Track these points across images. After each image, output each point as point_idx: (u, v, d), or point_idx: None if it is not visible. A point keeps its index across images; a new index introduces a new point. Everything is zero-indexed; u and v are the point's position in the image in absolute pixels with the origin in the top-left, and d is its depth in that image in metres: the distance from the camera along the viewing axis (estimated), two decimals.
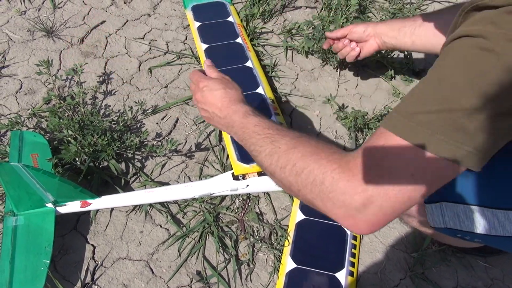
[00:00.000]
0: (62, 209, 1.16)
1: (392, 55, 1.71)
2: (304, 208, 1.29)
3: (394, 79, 1.70)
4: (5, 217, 1.14)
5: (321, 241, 1.25)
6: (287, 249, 1.22)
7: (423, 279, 1.22)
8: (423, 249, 1.26)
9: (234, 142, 1.33)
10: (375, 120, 1.50)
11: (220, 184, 1.25)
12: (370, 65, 1.72)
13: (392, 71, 1.69)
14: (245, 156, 1.28)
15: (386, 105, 1.57)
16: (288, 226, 1.28)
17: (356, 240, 1.26)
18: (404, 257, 1.28)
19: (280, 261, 1.21)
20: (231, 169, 1.27)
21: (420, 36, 1.30)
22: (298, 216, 1.28)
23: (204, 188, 1.24)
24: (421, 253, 1.26)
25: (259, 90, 1.48)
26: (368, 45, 1.42)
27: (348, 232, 1.26)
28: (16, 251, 1.08)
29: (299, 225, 1.26)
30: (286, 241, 1.23)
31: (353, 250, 1.23)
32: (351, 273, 1.19)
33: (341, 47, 1.46)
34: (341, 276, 1.17)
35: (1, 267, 1.06)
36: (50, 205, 1.15)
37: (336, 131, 1.54)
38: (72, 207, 1.17)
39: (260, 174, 1.26)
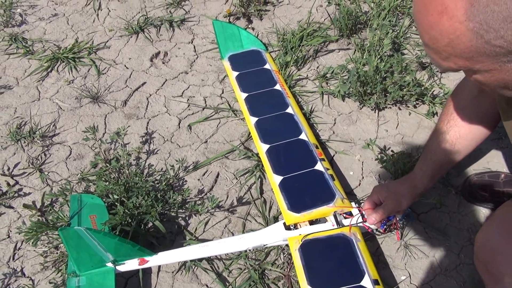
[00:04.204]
0: (121, 268, 1.20)
1: (432, 91, 1.66)
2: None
3: (436, 115, 1.65)
4: (68, 278, 1.19)
5: (329, 258, 1.19)
6: (302, 279, 1.14)
7: None
8: None
9: (284, 191, 1.32)
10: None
11: (273, 235, 1.25)
12: (409, 102, 1.68)
13: (434, 107, 1.64)
14: (295, 205, 1.27)
15: None
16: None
17: (360, 245, 1.19)
18: None
19: None
20: (278, 220, 1.26)
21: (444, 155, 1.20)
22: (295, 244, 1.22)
23: (257, 240, 1.24)
24: None
25: (302, 136, 1.48)
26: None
27: (352, 238, 1.19)
28: None
29: (303, 248, 1.20)
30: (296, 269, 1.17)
31: (363, 255, 1.16)
32: (376, 282, 1.11)
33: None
34: (367, 283, 1.10)
35: None
36: (110, 264, 1.19)
37: (379, 175, 1.49)
38: (131, 265, 1.21)
39: (311, 222, 1.24)
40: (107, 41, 2.04)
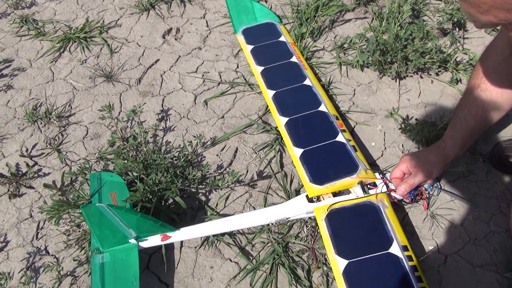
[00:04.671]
0: (144, 244, 1.20)
1: (455, 57, 1.60)
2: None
3: (460, 82, 1.59)
4: (92, 255, 1.19)
5: (356, 226, 1.17)
6: (329, 248, 1.12)
7: None
8: None
9: (305, 163, 1.29)
10: (443, 129, 1.40)
11: (296, 208, 1.23)
12: (431, 70, 1.62)
13: (457, 74, 1.58)
14: (317, 178, 1.24)
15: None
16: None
17: (387, 212, 1.17)
18: (496, 279, 1.16)
19: (326, 264, 1.18)
20: (300, 193, 1.24)
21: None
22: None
23: (279, 213, 1.22)
24: None
25: (322, 108, 1.44)
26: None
27: (379, 205, 1.17)
28: (106, 285, 1.12)
29: (329, 217, 1.17)
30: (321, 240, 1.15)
31: (391, 222, 1.14)
32: (405, 248, 1.09)
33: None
34: (395, 249, 1.08)
35: None
36: (133, 240, 1.18)
37: (402, 145, 1.45)
38: (154, 241, 1.20)
39: (334, 195, 1.21)
40: (118, 19, 2.01)
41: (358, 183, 1.22)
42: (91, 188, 1.33)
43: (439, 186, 1.32)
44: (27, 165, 1.49)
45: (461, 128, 1.16)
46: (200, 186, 1.40)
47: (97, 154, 1.51)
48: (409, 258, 1.07)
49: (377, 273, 1.07)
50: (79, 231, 1.32)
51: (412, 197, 1.21)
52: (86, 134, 1.59)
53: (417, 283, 1.02)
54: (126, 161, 1.39)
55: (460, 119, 1.17)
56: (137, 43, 1.90)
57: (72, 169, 1.47)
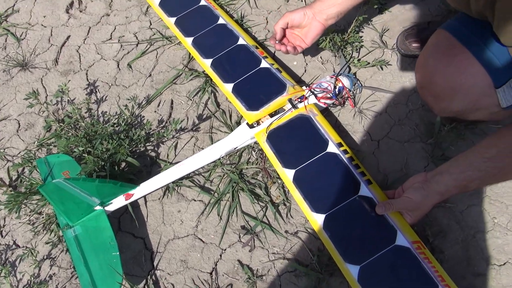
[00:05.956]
0: (110, 207, 1.26)
1: None
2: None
3: None
4: (63, 232, 1.23)
5: (294, 138, 1.28)
6: (276, 164, 1.24)
7: (445, 159, 1.28)
8: (437, 133, 1.32)
9: (238, 95, 1.38)
10: (354, 32, 1.53)
11: (240, 136, 1.33)
12: None
13: None
14: (252, 105, 1.35)
15: (358, 15, 1.57)
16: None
17: (318, 119, 1.28)
18: (422, 147, 1.34)
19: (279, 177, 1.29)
20: (241, 123, 1.34)
21: None
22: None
23: (227, 145, 1.32)
24: (436, 137, 1.32)
25: (240, 41, 1.51)
26: (312, 30, 1.32)
27: (309, 115, 1.28)
28: (86, 255, 1.19)
29: (269, 137, 1.28)
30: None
31: (323, 126, 1.25)
32: (339, 144, 1.22)
33: (284, 50, 1.35)
34: (332, 148, 1.21)
35: (80, 272, 1.17)
36: (98, 207, 1.24)
37: (321, 57, 1.57)
38: (118, 202, 1.26)
39: (271, 115, 1.32)
40: (14, 5, 1.92)
41: (287, 101, 1.33)
42: (41, 174, 1.35)
43: (360, 84, 1.46)
44: None
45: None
46: (147, 144, 1.46)
47: (36, 142, 1.51)
48: (345, 151, 1.21)
49: (321, 172, 1.20)
50: (43, 217, 1.35)
51: (337, 98, 1.34)
52: (19, 127, 1.57)
53: (355, 169, 1.17)
54: (68, 140, 1.41)
55: None
56: (42, 25, 1.84)
57: (15, 163, 1.47)
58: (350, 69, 1.52)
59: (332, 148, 1.21)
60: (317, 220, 1.13)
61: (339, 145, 1.22)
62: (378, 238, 1.08)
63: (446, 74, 1.02)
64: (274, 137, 1.28)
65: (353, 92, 1.44)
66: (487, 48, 0.97)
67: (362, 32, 1.61)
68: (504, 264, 1.17)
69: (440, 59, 1.03)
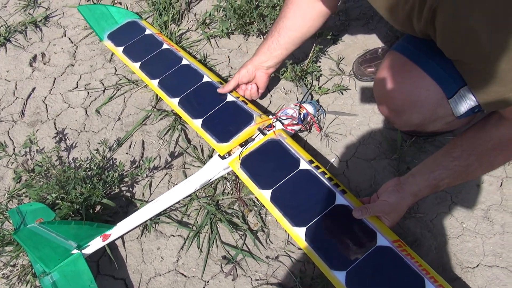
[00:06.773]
0: (88, 250, 1.24)
1: None
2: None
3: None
4: (40, 280, 1.19)
5: (267, 161, 1.32)
6: (253, 187, 1.27)
7: None
8: (400, 149, 1.40)
9: (208, 130, 1.43)
10: (312, 62, 1.62)
11: (213, 168, 1.36)
12: None
13: None
14: (222, 137, 1.39)
15: (315, 47, 1.67)
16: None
17: (288, 141, 1.35)
18: (388, 163, 1.41)
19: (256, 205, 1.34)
20: (213, 156, 1.38)
21: (287, 37, 1.38)
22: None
23: (201, 178, 1.34)
24: (399, 153, 1.40)
25: (205, 79, 1.57)
26: (259, 79, 1.49)
27: (279, 138, 1.35)
28: None
29: (243, 163, 1.32)
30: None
31: (293, 147, 1.32)
32: (311, 162, 1.27)
33: (244, 94, 1.52)
34: (304, 165, 1.27)
35: None
36: (75, 251, 1.21)
37: (283, 87, 1.65)
38: (96, 244, 1.25)
39: (241, 145, 1.36)
40: None
41: (257, 129, 1.38)
42: (14, 224, 1.32)
43: (324, 110, 1.54)
44: None
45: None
46: (122, 185, 1.46)
47: (6, 194, 1.48)
48: (317, 167, 1.26)
49: (296, 188, 1.24)
50: (17, 269, 1.31)
51: (303, 123, 1.41)
52: None
53: (329, 182, 1.22)
54: (39, 188, 1.39)
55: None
56: (6, 79, 1.85)
57: None
58: (312, 97, 1.60)
59: (304, 165, 1.26)
60: (298, 233, 1.16)
61: (311, 162, 1.27)
62: (359, 242, 1.11)
63: (402, 89, 1.10)
64: (247, 162, 1.32)
65: (317, 118, 1.51)
66: (435, 63, 1.06)
67: (320, 62, 1.71)
68: (477, 266, 1.23)
69: (395, 76, 1.12)
